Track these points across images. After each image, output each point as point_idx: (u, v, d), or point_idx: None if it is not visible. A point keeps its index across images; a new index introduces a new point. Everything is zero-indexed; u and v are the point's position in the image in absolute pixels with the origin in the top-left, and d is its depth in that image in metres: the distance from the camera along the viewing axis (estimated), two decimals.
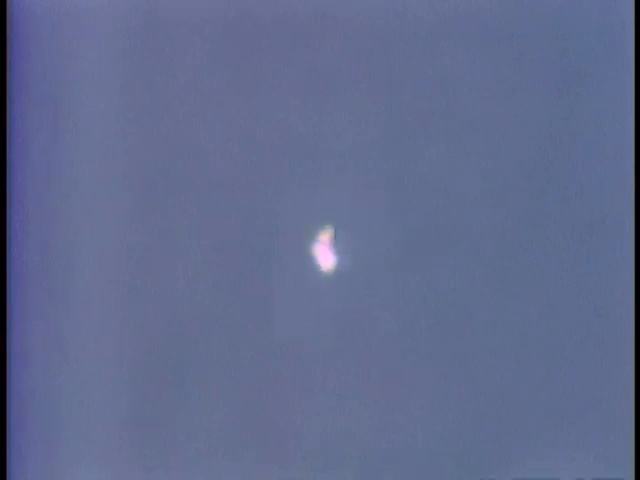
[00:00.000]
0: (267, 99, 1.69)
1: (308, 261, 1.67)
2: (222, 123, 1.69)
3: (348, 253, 1.67)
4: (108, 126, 1.68)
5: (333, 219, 1.68)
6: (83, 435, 1.66)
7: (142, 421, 1.66)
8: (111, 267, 1.67)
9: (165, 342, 1.66)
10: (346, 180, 1.68)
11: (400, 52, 1.69)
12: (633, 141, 1.67)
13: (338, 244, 1.67)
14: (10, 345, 1.66)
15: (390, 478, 1.65)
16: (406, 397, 1.66)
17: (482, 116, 1.68)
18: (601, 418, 1.66)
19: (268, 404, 1.66)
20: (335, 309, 1.67)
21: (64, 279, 1.67)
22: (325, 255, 1.66)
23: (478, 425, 1.65)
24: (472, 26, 1.69)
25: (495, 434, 1.66)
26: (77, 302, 1.67)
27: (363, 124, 1.68)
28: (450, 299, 1.67)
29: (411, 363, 1.66)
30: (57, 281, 1.67)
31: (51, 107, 1.68)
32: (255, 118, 1.69)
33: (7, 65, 1.67)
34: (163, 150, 1.68)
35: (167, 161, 1.68)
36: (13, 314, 1.66)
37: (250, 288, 1.67)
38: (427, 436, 1.66)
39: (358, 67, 1.69)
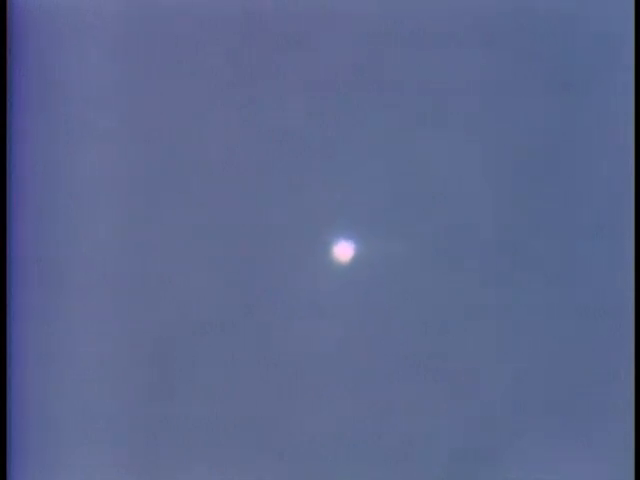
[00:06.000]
0: (268, 99, 1.69)
1: (311, 260, 1.68)
2: (223, 123, 1.69)
3: (349, 251, 1.68)
4: (108, 126, 1.68)
5: (334, 218, 1.68)
6: (83, 434, 1.66)
7: (142, 420, 1.66)
8: (111, 267, 1.67)
9: (166, 341, 1.67)
10: (348, 178, 1.68)
11: (402, 52, 1.69)
12: (633, 141, 1.67)
13: (340, 242, 1.68)
14: (10, 345, 1.66)
15: (392, 476, 1.66)
16: (408, 401, 1.66)
17: (482, 117, 1.68)
18: (601, 418, 1.66)
19: (270, 403, 1.66)
20: (336, 307, 1.67)
21: (64, 279, 1.67)
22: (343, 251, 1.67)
23: (481, 423, 1.66)
24: (473, 28, 1.69)
25: (496, 434, 1.66)
26: (77, 303, 1.67)
27: (365, 122, 1.69)
28: (452, 297, 1.67)
29: (415, 365, 1.67)
30: (57, 282, 1.67)
31: (51, 107, 1.68)
32: (257, 118, 1.69)
33: (7, 65, 1.67)
34: (164, 149, 1.68)
35: (168, 161, 1.68)
36: (13, 314, 1.67)
37: (253, 287, 1.67)
38: (433, 434, 1.66)
39: (359, 66, 1.69)
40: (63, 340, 1.67)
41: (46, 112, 1.68)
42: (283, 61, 1.69)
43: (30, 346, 1.67)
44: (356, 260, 1.67)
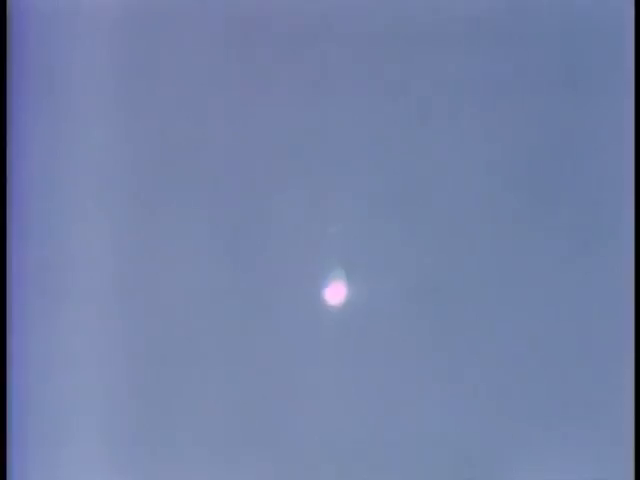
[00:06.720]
0: (269, 99, 1.69)
1: (309, 266, 1.68)
2: (224, 124, 1.69)
3: (348, 253, 1.68)
4: (109, 127, 1.68)
5: (336, 220, 1.68)
6: (82, 435, 1.66)
7: (141, 421, 1.66)
8: (111, 269, 1.67)
9: (166, 344, 1.67)
10: (347, 180, 1.68)
11: (404, 52, 1.69)
12: (633, 141, 1.67)
13: (338, 244, 1.68)
14: (10, 345, 1.66)
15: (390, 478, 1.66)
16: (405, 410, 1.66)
17: (482, 117, 1.68)
18: (602, 418, 1.66)
19: (269, 404, 1.66)
20: (335, 312, 1.67)
21: (64, 281, 1.67)
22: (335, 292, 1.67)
23: (481, 425, 1.66)
24: (474, 27, 1.69)
25: (495, 437, 1.66)
26: (77, 304, 1.67)
27: (366, 124, 1.68)
28: (449, 298, 1.67)
29: (414, 375, 1.67)
30: (57, 283, 1.67)
31: (51, 107, 1.68)
32: (259, 120, 1.69)
33: (7, 65, 1.67)
34: (165, 150, 1.68)
35: (169, 162, 1.68)
36: (13, 315, 1.67)
37: (252, 291, 1.67)
38: (433, 435, 1.66)
39: (360, 67, 1.69)
40: (63, 341, 1.67)
41: (46, 112, 1.68)
42: (284, 62, 1.69)
43: (30, 348, 1.67)
44: (355, 262, 1.67)
